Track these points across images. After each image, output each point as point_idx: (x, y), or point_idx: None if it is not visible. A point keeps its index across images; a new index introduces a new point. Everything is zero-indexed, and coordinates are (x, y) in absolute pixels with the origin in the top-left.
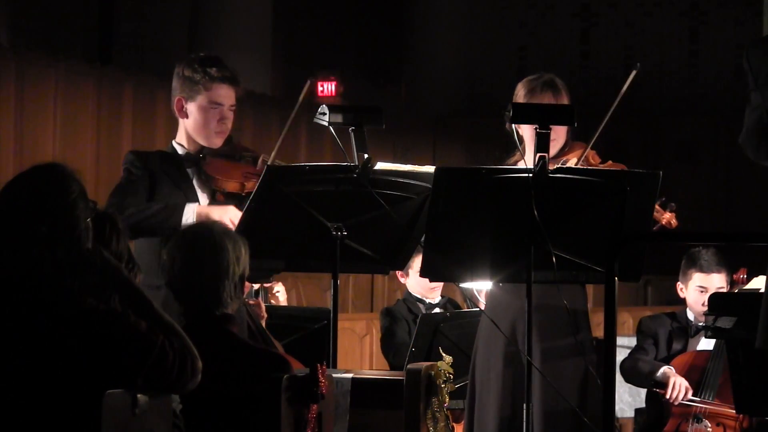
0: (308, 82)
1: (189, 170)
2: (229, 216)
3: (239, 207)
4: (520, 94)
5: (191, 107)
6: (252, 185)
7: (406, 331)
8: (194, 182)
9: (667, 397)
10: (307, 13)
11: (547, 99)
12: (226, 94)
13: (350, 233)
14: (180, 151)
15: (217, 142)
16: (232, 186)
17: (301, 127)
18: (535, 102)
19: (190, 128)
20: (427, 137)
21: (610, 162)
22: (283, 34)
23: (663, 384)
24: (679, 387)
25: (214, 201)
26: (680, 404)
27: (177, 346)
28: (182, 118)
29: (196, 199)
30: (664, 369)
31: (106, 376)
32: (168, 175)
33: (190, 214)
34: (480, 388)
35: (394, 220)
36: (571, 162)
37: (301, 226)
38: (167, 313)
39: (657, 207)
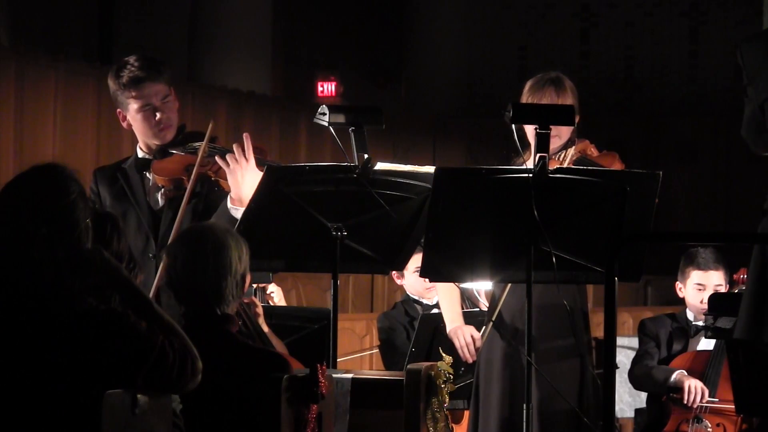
0: (210, 124)
1: (146, 174)
2: None
3: (173, 209)
4: (525, 89)
5: (129, 116)
6: (187, 177)
7: (404, 337)
8: (150, 185)
9: (685, 402)
10: (307, 13)
11: (548, 95)
12: (149, 92)
13: (350, 233)
14: (140, 155)
15: (167, 137)
16: (173, 183)
17: (301, 127)
18: (537, 97)
19: (138, 134)
20: (427, 137)
21: (604, 151)
22: (283, 34)
23: (678, 389)
24: (695, 390)
25: (168, 200)
26: (681, 405)
27: (177, 346)
28: (128, 128)
29: (146, 204)
30: (677, 374)
31: (106, 376)
32: (123, 184)
33: None
34: (482, 389)
35: (394, 220)
36: (564, 155)
37: (301, 226)
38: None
39: None
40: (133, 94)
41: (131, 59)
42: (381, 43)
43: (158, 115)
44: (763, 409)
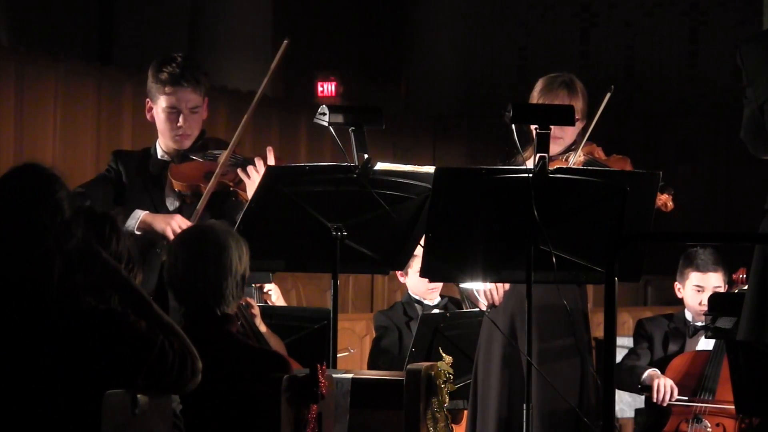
0: (285, 42)
1: (160, 174)
2: (176, 223)
3: (188, 214)
4: (537, 89)
5: (155, 111)
6: (204, 185)
7: (395, 338)
8: (166, 186)
9: (654, 399)
10: (307, 14)
11: (561, 97)
12: (182, 98)
13: (350, 233)
14: (159, 152)
15: (185, 144)
16: (190, 189)
17: (301, 127)
18: (549, 99)
19: (158, 131)
20: (427, 137)
21: (614, 155)
22: (283, 34)
23: (649, 387)
24: (664, 388)
25: (184, 204)
26: (680, 405)
27: (177, 346)
28: (151, 120)
29: (162, 203)
30: (649, 372)
31: (106, 376)
32: (142, 177)
33: (133, 221)
34: (481, 389)
35: (394, 220)
36: (573, 156)
37: (301, 226)
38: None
39: None
40: (167, 91)
41: (178, 57)
42: (381, 43)
43: (181, 121)
44: (763, 409)
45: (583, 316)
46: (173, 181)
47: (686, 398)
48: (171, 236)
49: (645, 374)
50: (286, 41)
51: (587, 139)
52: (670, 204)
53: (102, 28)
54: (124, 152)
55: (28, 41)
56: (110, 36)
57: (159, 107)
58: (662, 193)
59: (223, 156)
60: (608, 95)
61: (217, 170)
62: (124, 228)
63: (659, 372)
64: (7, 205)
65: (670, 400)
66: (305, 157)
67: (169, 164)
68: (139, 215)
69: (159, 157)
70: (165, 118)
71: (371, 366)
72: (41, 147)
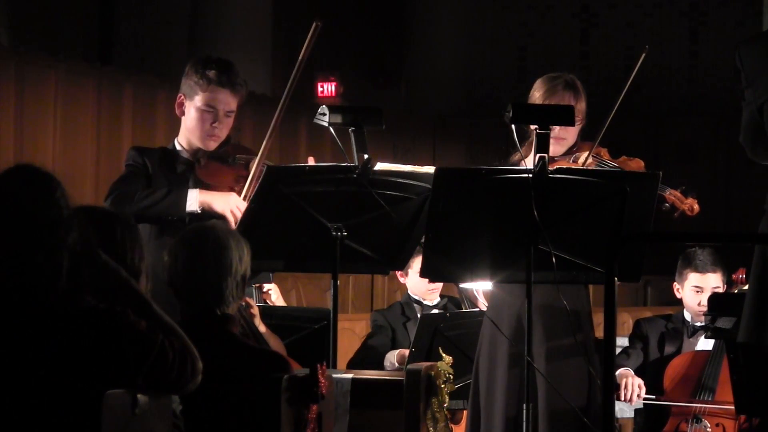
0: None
1: (185, 172)
2: (234, 203)
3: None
4: (539, 93)
5: (188, 106)
6: (240, 188)
7: (388, 338)
8: (189, 183)
9: (621, 398)
10: (307, 14)
11: (566, 100)
12: (222, 99)
13: (350, 233)
14: (185, 156)
15: (211, 145)
16: (222, 190)
17: (301, 127)
18: (554, 101)
19: (186, 127)
20: (427, 137)
21: (624, 157)
22: (283, 34)
23: (618, 386)
24: (631, 387)
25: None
26: (678, 405)
27: (177, 346)
28: (180, 115)
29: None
30: (620, 371)
31: (106, 376)
32: (165, 174)
33: (193, 201)
34: (485, 389)
35: (394, 220)
36: (582, 158)
37: (301, 226)
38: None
39: (678, 194)
40: (209, 90)
41: (224, 60)
42: (381, 43)
43: (215, 123)
44: (763, 409)
45: (588, 316)
46: (205, 180)
47: (653, 397)
48: (231, 219)
49: (616, 373)
50: (315, 23)
51: (586, 140)
52: (696, 207)
53: (102, 28)
54: (144, 148)
55: (28, 41)
56: (110, 36)
57: (194, 105)
58: (687, 197)
59: (255, 162)
60: (643, 55)
61: (251, 176)
62: (186, 209)
63: (632, 372)
64: (10, 202)
65: (638, 399)
66: (305, 157)
67: (194, 164)
68: (195, 194)
69: (183, 156)
70: (198, 117)
71: (352, 361)
72: (41, 147)
